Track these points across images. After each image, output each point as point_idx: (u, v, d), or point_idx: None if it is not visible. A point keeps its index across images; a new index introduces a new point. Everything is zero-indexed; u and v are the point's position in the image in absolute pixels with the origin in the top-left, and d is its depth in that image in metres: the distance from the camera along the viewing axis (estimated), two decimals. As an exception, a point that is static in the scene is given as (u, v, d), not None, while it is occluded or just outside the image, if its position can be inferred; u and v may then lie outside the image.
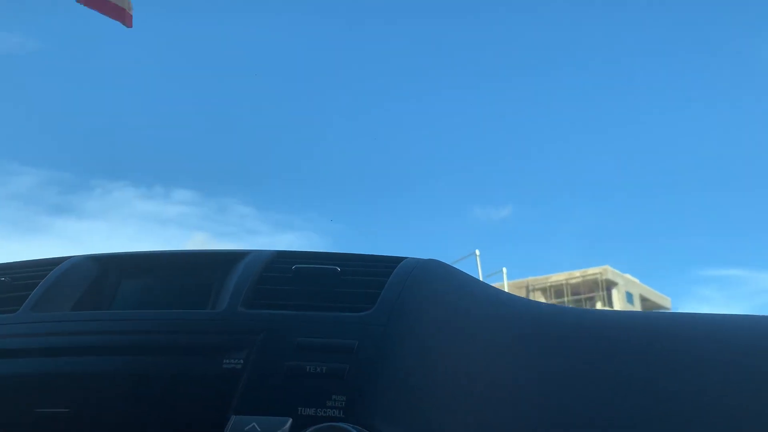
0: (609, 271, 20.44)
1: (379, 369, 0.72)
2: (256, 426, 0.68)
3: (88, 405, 0.73)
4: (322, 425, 0.64)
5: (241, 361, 0.73)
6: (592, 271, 20.57)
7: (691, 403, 0.76)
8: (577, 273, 20.67)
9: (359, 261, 0.91)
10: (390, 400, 0.70)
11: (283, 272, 0.87)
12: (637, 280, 21.92)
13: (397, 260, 0.91)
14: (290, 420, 0.68)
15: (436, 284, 0.87)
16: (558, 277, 20.77)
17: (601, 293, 20.40)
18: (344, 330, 0.76)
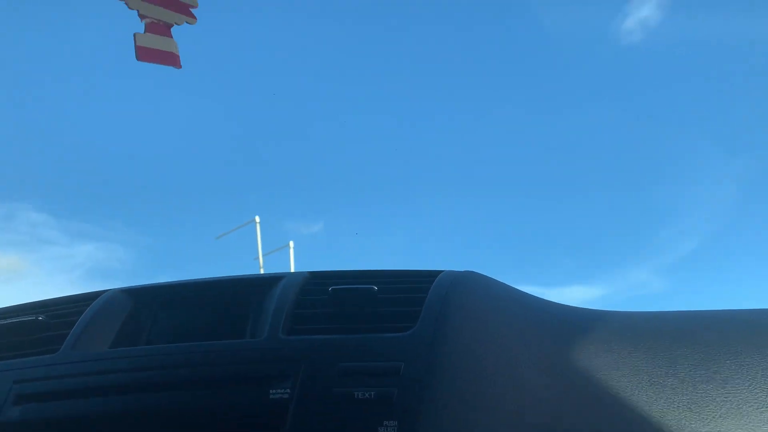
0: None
1: (428, 390, 0.71)
2: None
3: None
4: None
5: (288, 390, 0.72)
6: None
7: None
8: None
9: (395, 277, 0.90)
10: (443, 422, 0.69)
11: (320, 294, 0.86)
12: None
13: (434, 274, 0.89)
14: None
15: (477, 297, 0.86)
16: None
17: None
18: (389, 351, 0.75)
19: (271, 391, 0.72)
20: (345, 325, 0.81)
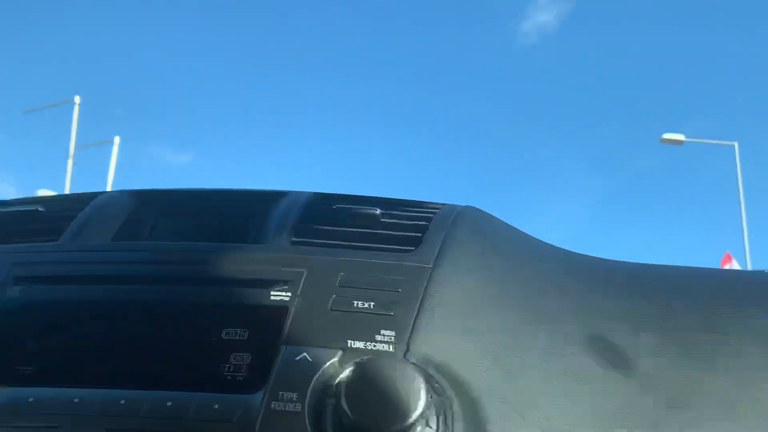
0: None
1: (427, 306, 0.73)
2: (307, 356, 0.68)
3: (132, 332, 0.73)
4: (376, 358, 0.64)
5: (289, 294, 0.73)
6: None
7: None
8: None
9: (399, 205, 0.91)
10: (435, 341, 0.71)
11: (323, 211, 0.87)
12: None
13: (437, 206, 0.91)
14: (340, 352, 0.68)
15: (479, 228, 0.87)
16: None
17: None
18: (391, 267, 0.76)
19: (272, 293, 0.73)
20: (347, 242, 0.82)
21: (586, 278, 0.86)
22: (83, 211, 0.86)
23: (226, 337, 0.71)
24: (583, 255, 0.94)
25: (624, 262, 0.94)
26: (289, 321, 0.71)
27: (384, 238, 0.83)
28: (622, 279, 0.87)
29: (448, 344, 0.71)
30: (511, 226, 0.95)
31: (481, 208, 0.95)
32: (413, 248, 0.80)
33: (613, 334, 0.77)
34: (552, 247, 0.94)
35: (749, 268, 11.43)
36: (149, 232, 0.88)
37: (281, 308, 0.72)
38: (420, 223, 0.85)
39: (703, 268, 0.93)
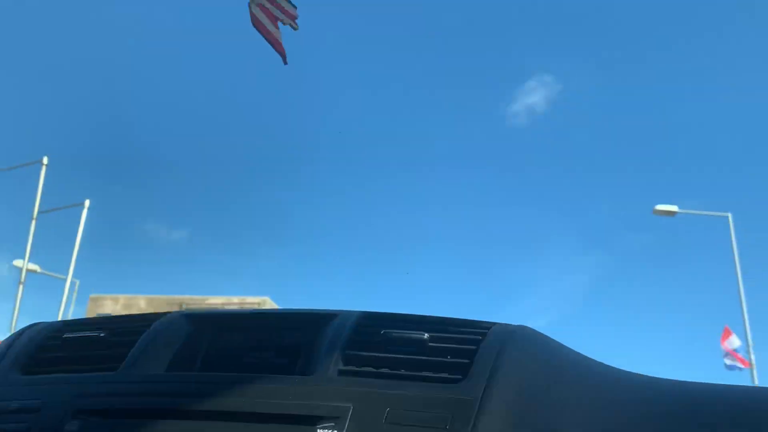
0: (268, 303, 19.92)
1: None
2: None
3: None
4: None
5: None
6: (252, 300, 20.02)
7: None
8: (235, 299, 19.97)
9: (447, 326, 0.90)
10: None
11: (372, 336, 0.87)
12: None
13: (486, 326, 0.90)
14: None
15: (529, 354, 0.85)
16: (215, 300, 19.98)
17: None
18: (436, 402, 0.75)
19: (318, 430, 0.73)
20: (395, 371, 0.82)
21: (643, 404, 0.82)
22: (142, 336, 0.89)
23: None
24: (636, 374, 0.90)
25: (681, 381, 0.90)
26: None
27: (432, 365, 0.82)
28: (675, 404, 0.82)
29: None
30: (563, 345, 0.93)
31: (534, 327, 0.93)
32: (461, 377, 0.79)
33: None
34: (603, 366, 0.91)
35: (750, 339, 10.92)
36: (203, 357, 0.90)
37: None
38: (469, 347, 0.84)
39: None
